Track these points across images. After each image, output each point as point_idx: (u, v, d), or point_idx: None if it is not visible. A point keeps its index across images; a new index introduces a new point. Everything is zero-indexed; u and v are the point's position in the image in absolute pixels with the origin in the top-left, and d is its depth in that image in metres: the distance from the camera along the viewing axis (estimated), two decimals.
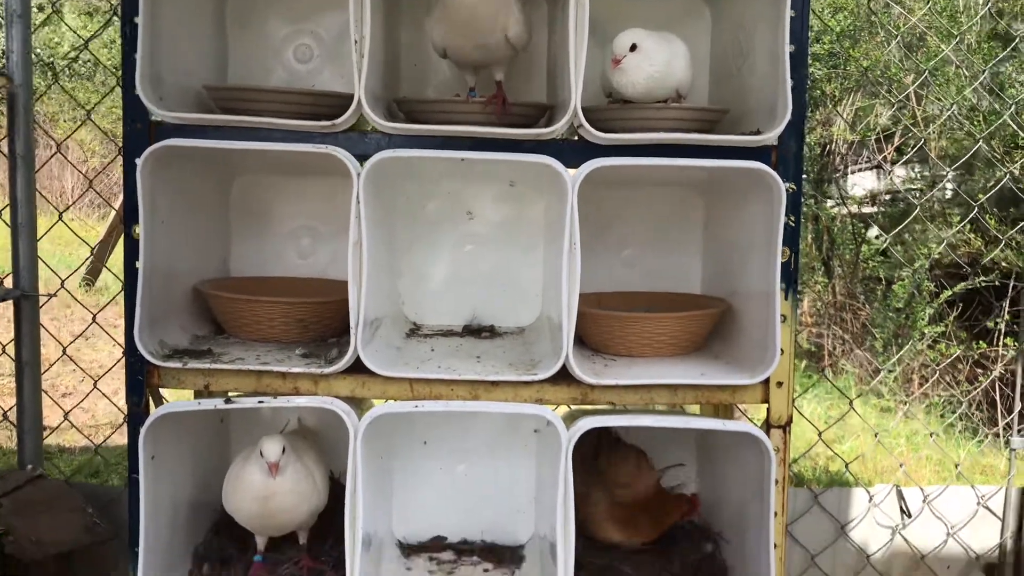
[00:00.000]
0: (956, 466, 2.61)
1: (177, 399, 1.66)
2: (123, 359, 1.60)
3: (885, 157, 6.49)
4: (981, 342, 4.97)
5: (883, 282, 5.89)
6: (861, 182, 6.92)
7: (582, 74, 1.51)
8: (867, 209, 6.69)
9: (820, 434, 2.52)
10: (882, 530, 2.47)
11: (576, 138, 1.61)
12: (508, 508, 2.01)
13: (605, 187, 1.91)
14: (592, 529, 1.87)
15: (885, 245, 6.03)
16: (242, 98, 1.63)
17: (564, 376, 1.59)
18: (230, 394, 1.62)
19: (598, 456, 1.91)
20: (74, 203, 4.96)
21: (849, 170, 6.93)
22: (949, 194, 6.52)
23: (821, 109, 6.48)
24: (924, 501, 2.46)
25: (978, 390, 3.42)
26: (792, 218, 1.57)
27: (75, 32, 6.34)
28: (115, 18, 1.50)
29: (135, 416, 1.58)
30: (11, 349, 2.23)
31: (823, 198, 6.65)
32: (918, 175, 6.59)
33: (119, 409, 1.61)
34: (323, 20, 1.93)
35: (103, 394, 2.55)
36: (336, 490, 1.77)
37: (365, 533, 1.62)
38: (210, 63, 1.84)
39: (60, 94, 8.45)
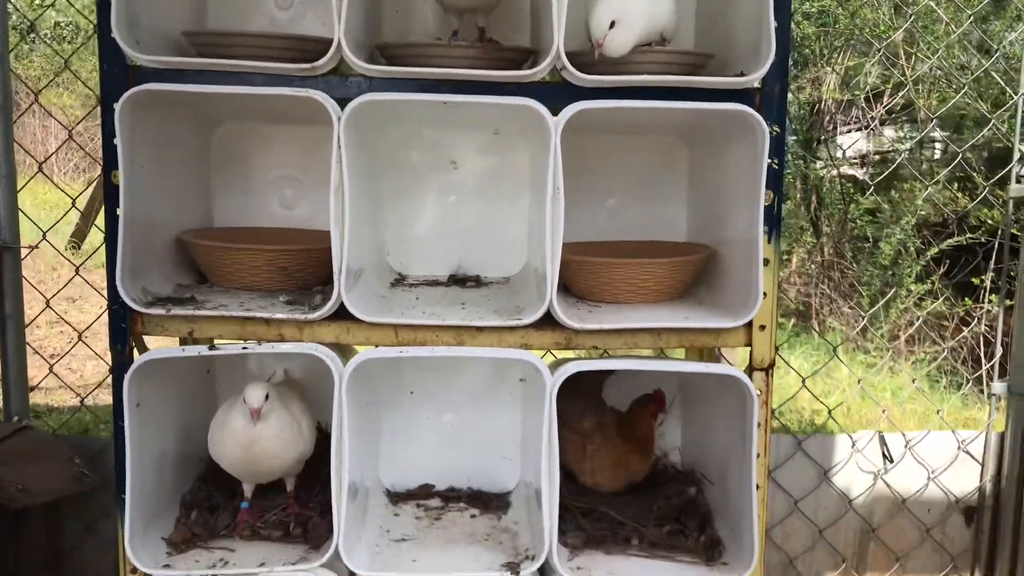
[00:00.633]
0: (938, 412, 2.64)
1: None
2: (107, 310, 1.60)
3: (874, 117, 6.48)
4: (967, 299, 5.00)
5: (871, 241, 5.91)
6: (850, 143, 6.91)
7: (564, 14, 1.50)
8: (856, 171, 6.68)
9: (804, 380, 2.54)
10: (864, 475, 2.50)
11: (560, 81, 1.60)
12: (495, 456, 2.03)
13: (589, 135, 1.90)
14: (582, 474, 1.89)
15: (874, 205, 6.05)
16: (221, 43, 1.61)
17: (549, 321, 1.60)
18: (215, 341, 1.62)
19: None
20: (54, 153, 4.87)
21: (838, 131, 6.92)
22: (938, 154, 6.52)
23: (811, 67, 6.45)
24: (906, 447, 2.49)
25: (960, 337, 3.44)
26: (776, 160, 1.57)
27: None
28: None
29: (119, 364, 1.58)
30: None
31: (812, 158, 6.64)
32: (907, 135, 6.58)
33: (108, 366, 1.60)
34: None
35: (91, 350, 2.54)
36: (324, 440, 1.77)
37: (352, 481, 1.64)
38: (188, 9, 1.81)
39: (43, 58, 8.33)
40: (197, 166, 1.90)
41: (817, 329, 5.45)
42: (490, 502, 1.94)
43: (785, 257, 6.46)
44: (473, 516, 1.88)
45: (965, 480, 2.56)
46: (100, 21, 1.51)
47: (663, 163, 2.00)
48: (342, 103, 1.52)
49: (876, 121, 6.37)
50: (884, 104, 6.24)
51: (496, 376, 2.02)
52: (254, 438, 1.61)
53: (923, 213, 5.45)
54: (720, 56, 1.71)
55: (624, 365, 1.69)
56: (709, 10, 1.87)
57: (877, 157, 6.73)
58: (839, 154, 6.58)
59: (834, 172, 6.54)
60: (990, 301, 4.71)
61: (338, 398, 1.56)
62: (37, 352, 2.70)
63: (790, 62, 1.65)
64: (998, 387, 2.49)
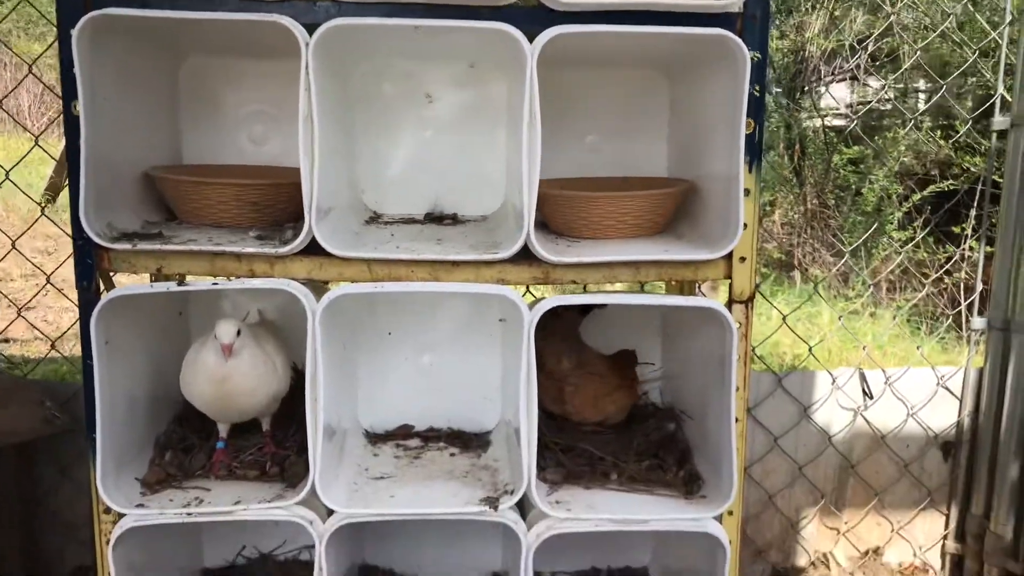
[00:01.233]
0: (918, 347, 2.65)
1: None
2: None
3: (859, 65, 6.42)
4: (949, 245, 5.01)
5: (854, 191, 5.90)
6: (835, 93, 6.86)
7: None
8: (840, 122, 6.65)
9: (784, 318, 2.53)
10: (844, 412, 2.51)
11: (536, 5, 1.54)
12: (474, 397, 2.02)
13: (567, 69, 1.85)
14: (563, 413, 1.88)
15: (857, 155, 6.02)
16: None
17: (526, 256, 1.57)
18: (187, 278, 1.59)
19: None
20: (15, 89, 4.71)
21: (823, 80, 6.86)
22: (922, 105, 6.49)
23: (795, 14, 6.37)
24: (886, 383, 2.50)
25: (940, 275, 3.45)
26: (757, 87, 1.53)
27: None
28: None
29: (86, 302, 1.54)
30: None
31: (796, 107, 6.59)
32: (891, 84, 6.55)
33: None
34: None
35: (67, 298, 2.49)
36: (301, 380, 1.74)
37: (329, 422, 1.62)
38: None
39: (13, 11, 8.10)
40: (164, 101, 1.84)
41: (799, 277, 5.46)
42: (470, 441, 1.93)
43: (768, 208, 6.44)
44: (452, 455, 1.86)
45: (944, 416, 2.57)
46: None
47: (642, 98, 1.96)
48: (311, 29, 1.47)
49: (860, 69, 6.32)
50: (868, 51, 6.18)
51: (475, 317, 2.00)
52: (226, 375, 1.58)
53: (906, 160, 5.43)
54: None
55: (603, 299, 1.67)
56: None
57: (862, 107, 6.69)
58: (824, 103, 6.54)
59: (818, 122, 6.51)
60: (970, 248, 4.72)
61: (312, 335, 1.53)
62: (7, 298, 2.65)
63: (772, 6, 1.60)
64: (978, 322, 2.49)
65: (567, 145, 1.95)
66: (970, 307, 2.57)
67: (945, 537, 2.65)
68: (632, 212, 1.71)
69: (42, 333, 2.44)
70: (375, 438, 1.95)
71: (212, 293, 1.95)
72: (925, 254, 5.06)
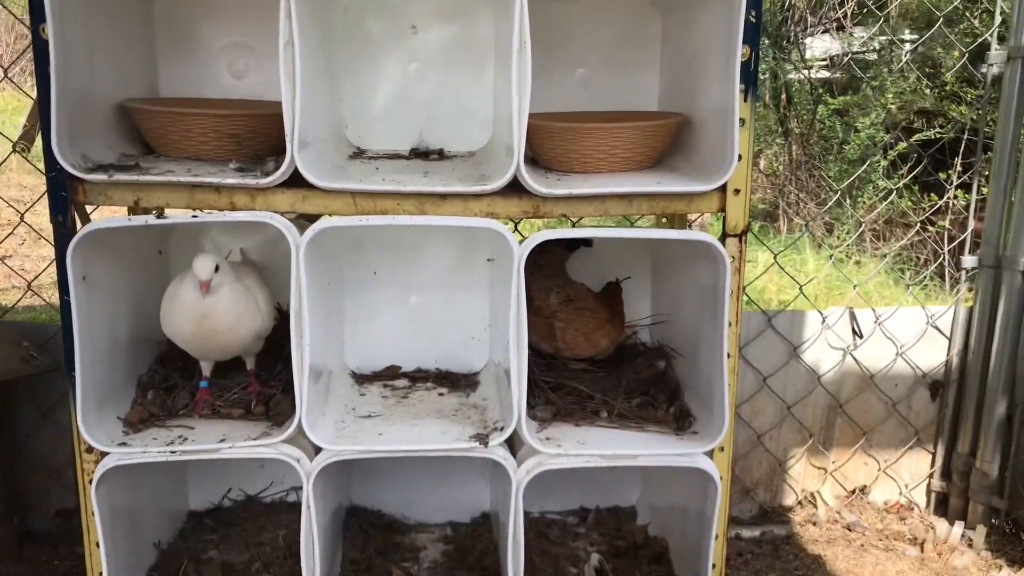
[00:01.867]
0: (907, 287, 2.64)
1: None
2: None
3: (845, 13, 6.34)
4: (933, 195, 5.00)
5: (840, 139, 5.86)
6: (820, 45, 6.79)
7: None
8: (825, 74, 6.58)
9: (776, 256, 2.51)
10: (833, 351, 2.50)
11: None
12: (462, 338, 1.99)
13: (556, 0, 1.80)
14: (553, 349, 1.86)
15: (843, 105, 5.96)
16: None
17: (516, 188, 1.53)
18: (166, 211, 1.54)
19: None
20: None
21: (808, 32, 6.78)
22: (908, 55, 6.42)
23: None
24: (876, 322, 2.49)
25: (927, 215, 3.43)
26: (754, 13, 1.48)
27: None
28: None
29: (62, 236, 1.49)
30: None
31: (783, 57, 6.52)
32: (877, 34, 6.48)
33: None
34: None
35: (48, 242, 2.42)
36: (286, 323, 1.70)
37: (315, 363, 1.58)
38: None
39: None
40: (138, 30, 1.77)
41: (785, 227, 5.45)
42: (458, 381, 1.91)
43: (753, 160, 6.39)
44: (441, 394, 1.84)
45: (932, 355, 2.57)
46: None
47: (634, 31, 1.91)
48: None
49: (848, 18, 6.23)
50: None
51: (463, 257, 1.97)
52: (206, 311, 1.54)
53: (892, 108, 5.39)
54: None
55: (595, 233, 1.63)
56: None
57: (847, 57, 6.63)
58: (809, 54, 6.46)
59: (804, 73, 6.44)
60: (955, 197, 4.71)
61: (296, 269, 1.49)
62: None
63: None
64: (969, 260, 2.47)
65: (557, 79, 1.91)
66: (959, 249, 2.56)
67: (931, 475, 2.67)
68: (624, 145, 1.67)
69: (21, 276, 2.38)
70: (362, 379, 1.93)
71: (193, 232, 1.90)
72: (910, 203, 5.05)
